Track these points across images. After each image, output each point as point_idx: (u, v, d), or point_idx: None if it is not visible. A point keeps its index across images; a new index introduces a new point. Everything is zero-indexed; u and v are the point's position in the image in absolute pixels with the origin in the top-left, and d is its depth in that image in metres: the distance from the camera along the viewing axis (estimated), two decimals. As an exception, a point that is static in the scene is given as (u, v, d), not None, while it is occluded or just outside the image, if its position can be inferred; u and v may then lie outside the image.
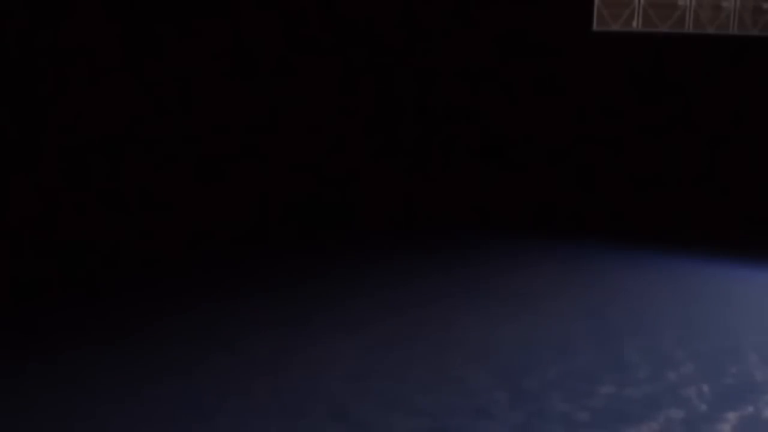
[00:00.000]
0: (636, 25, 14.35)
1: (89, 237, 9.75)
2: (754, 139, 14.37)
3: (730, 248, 13.31)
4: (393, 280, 10.10)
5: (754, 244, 13.53)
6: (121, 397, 5.52)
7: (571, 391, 6.02)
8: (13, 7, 8.67)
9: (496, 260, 12.14)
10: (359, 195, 14.48)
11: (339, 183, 13.77)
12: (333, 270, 10.76)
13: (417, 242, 13.42)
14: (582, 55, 14.57)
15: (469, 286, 10.05)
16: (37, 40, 9.06)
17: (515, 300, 9.46)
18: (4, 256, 9.04)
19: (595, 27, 14.51)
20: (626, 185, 15.04)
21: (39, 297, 8.03)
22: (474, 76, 15.41)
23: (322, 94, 13.37)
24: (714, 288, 10.64)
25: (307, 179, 13.14)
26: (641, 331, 7.98)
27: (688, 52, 14.15)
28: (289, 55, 12.47)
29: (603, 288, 10.43)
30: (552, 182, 15.38)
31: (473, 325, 7.97)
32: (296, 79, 12.75)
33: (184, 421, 5.13)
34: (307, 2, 12.49)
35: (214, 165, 11.49)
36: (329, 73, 13.51)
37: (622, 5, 14.29)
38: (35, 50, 9.08)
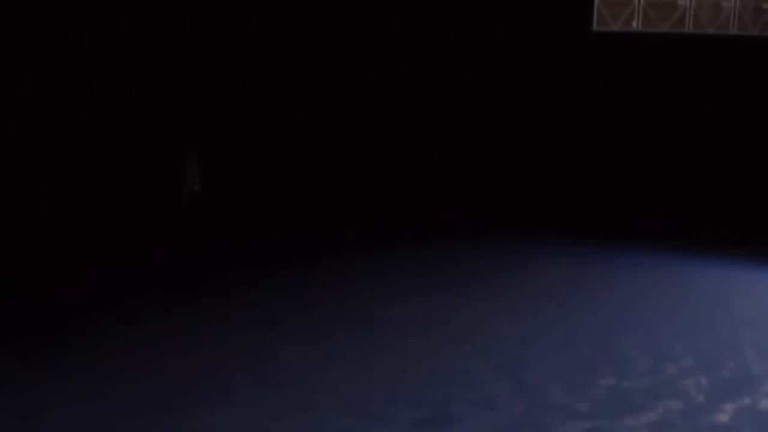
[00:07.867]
0: (636, 25, 14.44)
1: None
2: (755, 138, 14.43)
3: (728, 248, 13.40)
4: (389, 278, 10.20)
5: (753, 244, 13.62)
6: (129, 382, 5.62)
7: (571, 383, 6.11)
8: None
9: (494, 259, 12.23)
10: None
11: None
12: (332, 265, 10.86)
13: (414, 242, 13.50)
14: (582, 54, 14.65)
15: (467, 283, 10.15)
16: None
17: (513, 296, 9.56)
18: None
19: (595, 27, 14.59)
20: (625, 184, 15.10)
21: None
22: (469, 74, 15.48)
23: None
24: (713, 286, 10.72)
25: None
26: (641, 327, 8.06)
27: (688, 52, 14.23)
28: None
29: (603, 285, 10.52)
30: (551, 180, 15.45)
31: (472, 320, 8.06)
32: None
33: (191, 407, 5.21)
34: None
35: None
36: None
37: (622, 5, 14.38)
38: None
